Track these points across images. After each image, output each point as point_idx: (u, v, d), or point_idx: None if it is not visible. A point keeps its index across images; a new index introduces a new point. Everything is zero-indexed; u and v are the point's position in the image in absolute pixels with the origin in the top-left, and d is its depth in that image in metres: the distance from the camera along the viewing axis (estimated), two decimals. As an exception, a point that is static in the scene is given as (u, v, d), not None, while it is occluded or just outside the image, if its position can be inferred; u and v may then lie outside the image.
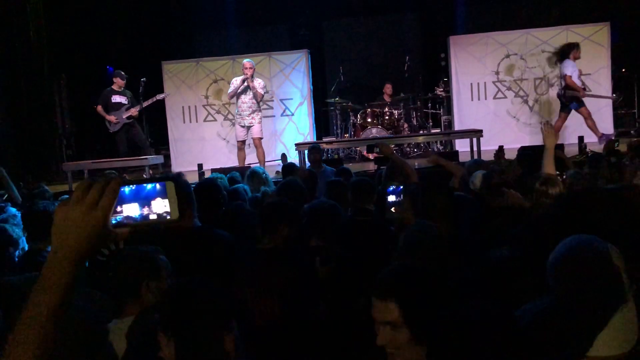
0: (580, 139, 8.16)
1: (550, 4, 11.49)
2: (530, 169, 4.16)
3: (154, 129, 10.84)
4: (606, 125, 9.89)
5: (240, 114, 8.46)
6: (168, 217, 1.08)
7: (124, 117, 8.93)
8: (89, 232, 0.99)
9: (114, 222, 1.04)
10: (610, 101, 10.07)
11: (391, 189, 2.53)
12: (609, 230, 1.72)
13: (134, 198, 1.07)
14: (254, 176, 5.23)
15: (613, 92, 10.25)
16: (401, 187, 2.51)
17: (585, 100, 10.03)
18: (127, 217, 1.07)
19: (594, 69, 10.03)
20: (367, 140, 9.57)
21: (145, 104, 8.98)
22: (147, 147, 9.28)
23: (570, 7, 11.16)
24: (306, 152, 9.17)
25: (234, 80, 8.54)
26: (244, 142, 8.58)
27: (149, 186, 1.08)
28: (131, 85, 9.36)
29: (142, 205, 1.08)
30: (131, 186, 1.07)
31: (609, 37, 10.02)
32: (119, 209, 1.06)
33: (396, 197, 2.52)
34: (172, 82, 10.60)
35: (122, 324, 2.05)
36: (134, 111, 8.92)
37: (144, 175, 8.75)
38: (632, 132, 10.05)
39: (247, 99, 8.36)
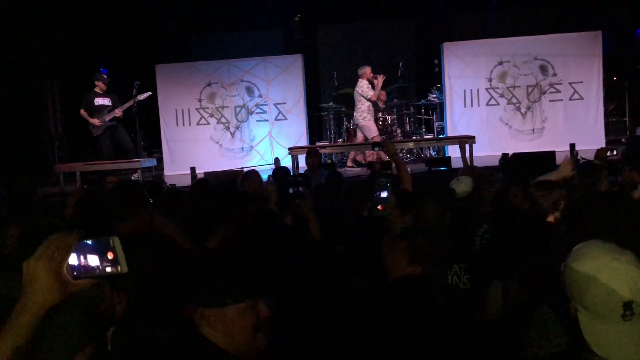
0: (572, 146, 8.21)
1: (542, 12, 11.58)
2: (512, 175, 4.21)
3: (146, 132, 10.83)
4: (597, 133, 9.99)
5: (372, 113, 9.24)
6: (119, 269, 1.17)
7: (106, 119, 8.90)
8: (46, 285, 1.10)
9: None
10: (602, 109, 10.16)
11: (378, 185, 2.51)
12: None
13: (94, 250, 1.16)
14: (247, 179, 5.21)
15: (605, 99, 10.34)
16: (388, 184, 2.50)
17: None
18: (86, 269, 1.16)
19: (586, 77, 10.12)
20: (360, 145, 9.60)
21: (125, 106, 8.94)
22: (133, 149, 9.24)
23: (562, 15, 11.25)
24: (299, 156, 9.22)
25: (366, 84, 9.13)
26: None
27: (104, 240, 1.18)
28: (125, 88, 9.35)
29: (101, 257, 1.17)
30: (89, 240, 1.17)
31: (601, 46, 10.11)
32: (82, 260, 1.16)
33: (383, 195, 2.51)
34: (165, 84, 10.60)
35: None
36: (118, 112, 8.88)
37: (133, 178, 8.73)
38: (622, 140, 10.12)
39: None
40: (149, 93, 9.41)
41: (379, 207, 2.47)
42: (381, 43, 12.45)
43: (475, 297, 2.39)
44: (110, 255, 1.15)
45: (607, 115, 10.50)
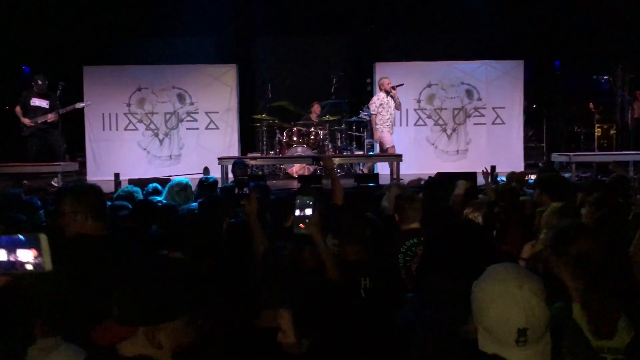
0: (493, 168, 8.57)
1: (471, 39, 12.11)
2: (434, 195, 4.37)
3: (70, 135, 10.40)
4: (517, 156, 10.51)
5: (388, 125, 9.10)
6: (42, 268, 1.12)
7: (39, 121, 8.57)
8: None
9: None
10: (522, 134, 10.70)
11: (301, 202, 2.48)
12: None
13: (17, 245, 1.09)
14: (173, 189, 5.10)
15: (525, 125, 10.91)
16: (310, 201, 2.48)
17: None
18: (2, 266, 1.10)
19: (508, 103, 10.66)
20: (292, 158, 9.64)
21: (62, 111, 8.67)
22: (60, 154, 8.91)
23: (488, 43, 11.80)
24: (229, 166, 9.14)
25: (377, 98, 9.11)
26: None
27: (30, 236, 1.12)
28: (49, 88, 8.98)
29: (9, 252, 1.10)
30: (13, 235, 1.10)
31: (523, 74, 10.69)
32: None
33: (307, 212, 2.48)
34: (93, 87, 10.24)
35: None
36: (51, 117, 8.57)
37: (53, 182, 8.39)
38: (540, 164, 10.67)
39: (392, 110, 9.17)
40: (89, 103, 9.23)
41: (300, 224, 2.43)
42: (316, 58, 12.58)
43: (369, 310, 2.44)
44: (34, 253, 1.07)
45: (526, 140, 11.07)
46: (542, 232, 3.09)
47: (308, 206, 2.49)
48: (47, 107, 8.68)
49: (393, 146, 9.15)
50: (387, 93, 9.07)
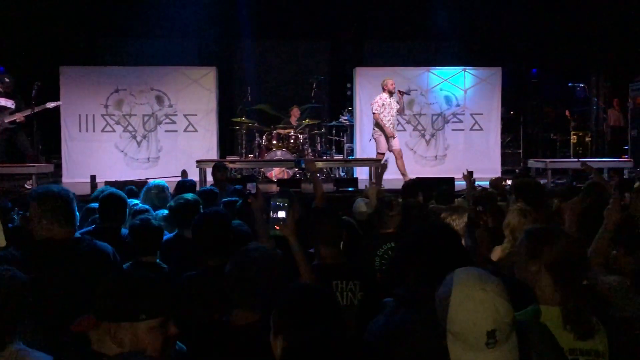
0: (470, 173, 8.63)
1: (450, 46, 12.24)
2: (412, 199, 4.40)
3: (45, 136, 10.23)
4: (494, 162, 10.63)
5: (388, 127, 8.83)
6: None
7: (5, 121, 8.36)
8: None
9: None
10: (499, 140, 10.83)
11: (277, 204, 2.49)
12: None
13: None
14: (150, 191, 5.02)
15: (502, 132, 11.05)
16: (285, 204, 2.49)
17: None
18: None
19: (486, 110, 10.77)
20: (271, 162, 9.62)
21: (37, 109, 8.49)
22: (33, 155, 8.73)
23: (467, 50, 11.95)
24: (208, 169, 9.07)
25: (379, 98, 8.83)
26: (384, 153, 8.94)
27: None
28: (24, 89, 8.82)
29: None
30: None
31: (500, 81, 10.82)
32: None
33: (281, 214, 2.49)
34: (69, 88, 10.10)
35: None
36: (19, 116, 8.37)
37: (27, 185, 8.23)
38: (517, 170, 10.81)
39: (394, 112, 8.88)
40: (59, 103, 9.05)
41: (275, 226, 2.46)
42: (297, 62, 12.60)
43: (363, 314, 2.45)
44: None
45: (503, 146, 11.21)
46: (506, 233, 3.15)
47: (282, 208, 2.51)
48: (12, 107, 8.47)
49: (384, 153, 8.95)
50: (391, 94, 8.87)
